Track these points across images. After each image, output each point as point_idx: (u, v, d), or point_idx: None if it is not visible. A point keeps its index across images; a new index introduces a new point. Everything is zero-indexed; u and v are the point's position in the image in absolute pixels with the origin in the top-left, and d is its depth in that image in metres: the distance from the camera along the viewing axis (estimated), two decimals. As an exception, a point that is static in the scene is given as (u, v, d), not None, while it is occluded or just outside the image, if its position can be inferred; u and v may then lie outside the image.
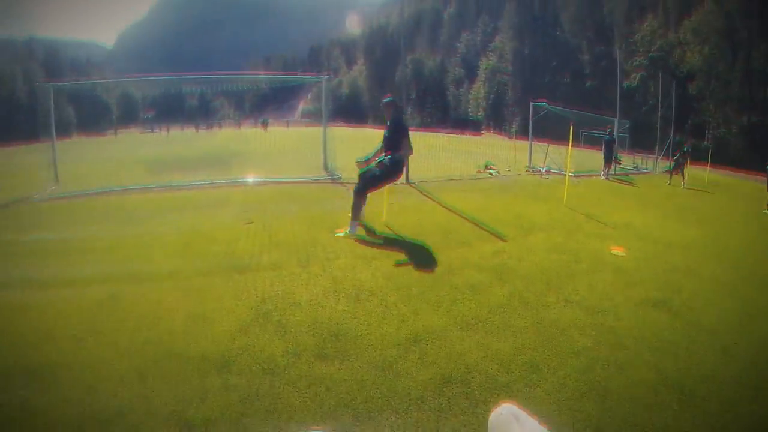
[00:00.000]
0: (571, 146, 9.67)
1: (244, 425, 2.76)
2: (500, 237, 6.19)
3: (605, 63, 60.76)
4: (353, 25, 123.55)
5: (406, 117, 12.40)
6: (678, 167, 17.08)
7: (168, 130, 41.23)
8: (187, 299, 4.35)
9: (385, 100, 6.38)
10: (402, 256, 5.34)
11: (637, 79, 54.13)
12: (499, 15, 79.89)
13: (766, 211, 13.20)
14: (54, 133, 11.71)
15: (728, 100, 48.53)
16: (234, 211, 7.89)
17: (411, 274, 4.81)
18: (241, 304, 4.20)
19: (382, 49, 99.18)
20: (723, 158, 36.43)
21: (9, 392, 3.16)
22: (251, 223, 6.89)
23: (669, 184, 16.78)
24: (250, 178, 10.59)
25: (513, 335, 3.56)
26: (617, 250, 6.29)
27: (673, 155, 18.55)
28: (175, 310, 4.17)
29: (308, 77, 13.12)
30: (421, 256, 5.36)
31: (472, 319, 3.83)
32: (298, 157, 13.05)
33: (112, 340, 3.74)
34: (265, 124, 39.08)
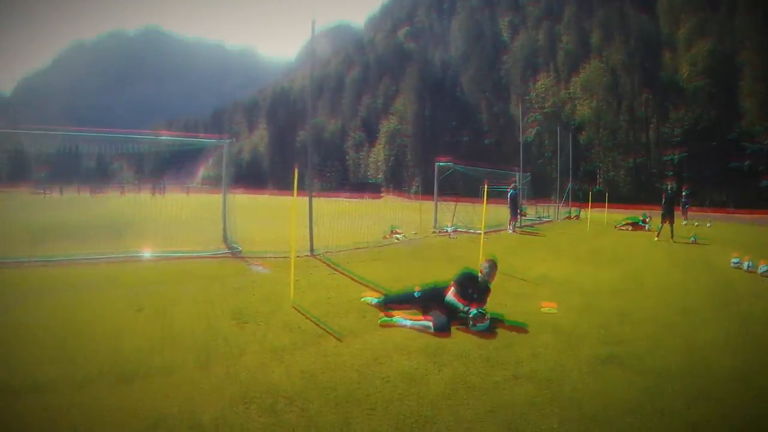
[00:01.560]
0: (485, 203, 9.53)
1: None
2: (422, 311, 5.64)
3: (503, 120, 66.27)
4: (257, 89, 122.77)
5: (309, 183, 12.19)
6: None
7: (61, 192, 38.24)
8: (55, 422, 3.23)
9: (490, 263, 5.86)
10: (316, 346, 4.54)
11: (533, 133, 59.39)
12: (400, 78, 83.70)
13: (656, 239, 14.68)
14: None
15: (615, 146, 55.21)
16: (123, 293, 6.57)
17: (332, 368, 4.01)
18: (126, 430, 3.17)
19: (284, 113, 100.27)
20: (616, 198, 41.08)
21: None
22: (142, 309, 6.18)
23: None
24: (144, 253, 9.41)
25: (468, 432, 2.96)
26: (548, 307, 6.07)
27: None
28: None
29: (209, 140, 12.32)
30: (339, 344, 4.57)
31: (416, 420, 3.14)
32: (197, 226, 12.07)
33: None
34: (161, 190, 37.44)
